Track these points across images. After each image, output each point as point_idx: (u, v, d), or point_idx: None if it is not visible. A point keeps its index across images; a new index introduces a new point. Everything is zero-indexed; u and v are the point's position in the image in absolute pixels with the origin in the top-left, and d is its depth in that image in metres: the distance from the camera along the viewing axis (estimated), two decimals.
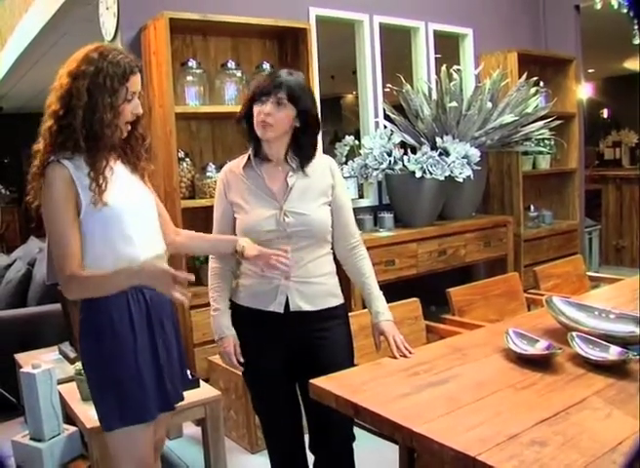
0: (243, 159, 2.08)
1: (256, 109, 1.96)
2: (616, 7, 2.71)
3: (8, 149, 11.82)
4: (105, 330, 1.79)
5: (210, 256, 2.17)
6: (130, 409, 1.81)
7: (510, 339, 1.97)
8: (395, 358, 1.96)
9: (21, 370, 2.64)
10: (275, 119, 1.95)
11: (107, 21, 3.46)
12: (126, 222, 1.80)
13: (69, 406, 2.74)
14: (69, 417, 2.75)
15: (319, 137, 2.13)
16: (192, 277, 1.70)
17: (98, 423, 2.49)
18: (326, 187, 2.07)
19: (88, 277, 1.75)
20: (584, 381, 1.72)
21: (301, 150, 2.04)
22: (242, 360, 2.05)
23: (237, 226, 2.06)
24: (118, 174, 1.84)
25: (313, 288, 2.03)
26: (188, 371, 2.91)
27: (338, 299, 2.11)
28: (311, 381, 1.80)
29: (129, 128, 1.84)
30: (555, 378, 1.75)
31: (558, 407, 1.55)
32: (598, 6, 2.62)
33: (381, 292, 2.13)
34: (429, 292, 3.25)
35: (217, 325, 2.08)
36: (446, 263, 4.30)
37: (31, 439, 2.63)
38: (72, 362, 3.19)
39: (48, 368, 2.65)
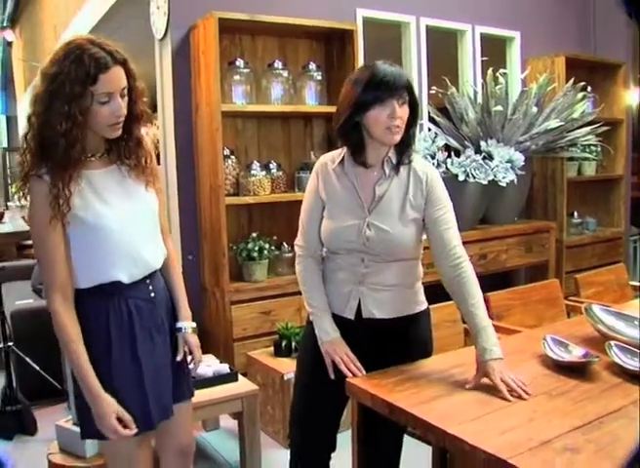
0: (339, 156, 1.96)
1: (380, 113, 1.79)
2: None
3: None
4: (104, 335, 1.69)
5: (300, 259, 2.03)
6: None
7: (547, 346, 1.97)
8: (508, 400, 1.65)
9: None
10: (403, 121, 1.84)
11: (158, 20, 3.55)
12: (107, 241, 1.67)
13: None
14: None
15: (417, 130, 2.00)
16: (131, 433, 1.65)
17: None
18: (418, 201, 1.90)
19: (62, 331, 1.64)
20: (621, 391, 1.72)
21: (407, 146, 1.90)
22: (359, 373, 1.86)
23: (322, 226, 1.96)
24: (106, 183, 1.70)
25: (390, 295, 1.93)
26: (226, 366, 2.99)
27: (418, 306, 2.01)
28: (348, 380, 1.83)
29: (118, 131, 1.66)
30: (591, 386, 1.75)
31: (592, 415, 1.55)
32: None
33: (490, 322, 1.85)
34: None
35: (321, 327, 1.94)
36: (486, 268, 4.29)
37: (74, 424, 2.71)
38: None
39: None
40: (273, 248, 3.72)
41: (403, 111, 1.83)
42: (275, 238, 3.77)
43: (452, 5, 4.57)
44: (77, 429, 2.64)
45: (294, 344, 3.31)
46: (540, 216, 4.99)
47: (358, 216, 1.90)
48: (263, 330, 3.54)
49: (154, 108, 4.01)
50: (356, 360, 1.88)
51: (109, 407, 1.65)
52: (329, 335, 1.91)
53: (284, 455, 3.06)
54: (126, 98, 1.65)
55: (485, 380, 1.75)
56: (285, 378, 3.09)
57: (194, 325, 1.93)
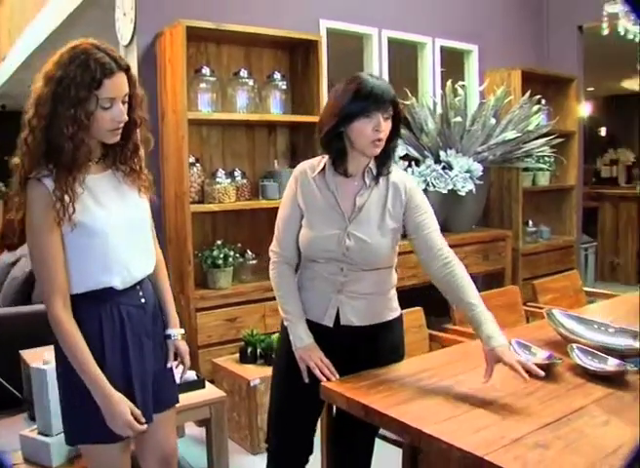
0: (319, 164, 1.98)
1: (365, 125, 1.83)
2: (622, 33, 2.79)
3: (11, 147, 11.85)
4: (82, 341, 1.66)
5: (275, 265, 2.05)
6: (94, 427, 1.69)
7: (513, 349, 2.03)
8: (525, 379, 1.70)
9: (32, 365, 2.68)
10: (386, 134, 1.87)
11: (123, 27, 3.55)
12: (104, 246, 1.67)
13: None
14: None
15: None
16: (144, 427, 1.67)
17: None
18: (397, 210, 1.95)
19: (68, 338, 1.63)
20: (584, 390, 1.80)
21: (387, 158, 1.94)
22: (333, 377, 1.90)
23: (300, 235, 1.98)
24: (103, 188, 1.71)
25: (366, 303, 1.97)
26: (193, 373, 2.99)
27: (392, 313, 2.05)
28: (323, 384, 1.87)
29: (117, 136, 1.67)
30: (556, 387, 1.83)
31: (559, 413, 1.63)
32: (605, 32, 2.71)
33: (491, 314, 1.87)
34: (429, 303, 3.31)
35: (295, 333, 1.96)
36: None
37: (39, 433, 2.68)
38: None
39: None
40: (238, 255, 3.74)
41: (387, 125, 1.87)
42: (240, 245, 3.79)
43: (413, 18, 4.68)
44: (43, 438, 2.63)
45: (259, 351, 3.33)
46: (496, 225, 5.12)
47: (338, 226, 1.93)
48: (228, 337, 3.55)
49: None
50: (330, 365, 1.91)
51: (124, 404, 1.66)
52: (303, 341, 1.94)
53: (251, 461, 3.10)
54: (126, 105, 1.66)
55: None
56: (251, 385, 3.11)
57: (183, 331, 1.94)
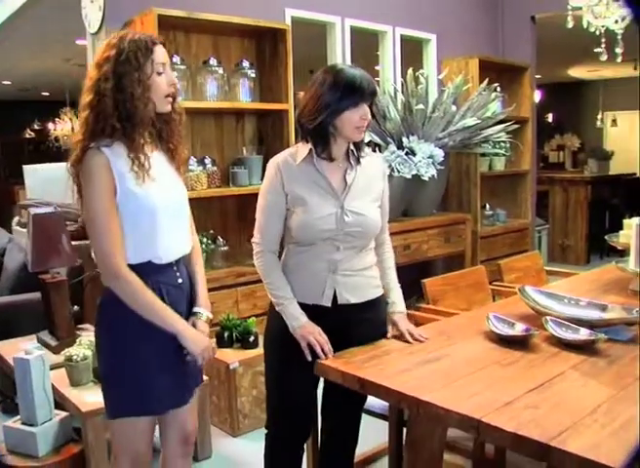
0: (299, 153, 2.05)
1: (353, 114, 1.94)
2: (570, 26, 2.94)
3: None
4: (123, 318, 1.78)
5: (259, 255, 2.10)
6: (131, 401, 1.82)
7: (492, 323, 2.16)
8: (408, 343, 2.06)
9: (15, 355, 2.69)
10: (369, 120, 2.00)
11: (91, 14, 3.53)
12: (156, 217, 1.79)
13: (59, 391, 2.81)
14: (57, 403, 2.81)
15: None
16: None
17: (92, 407, 2.62)
18: (378, 190, 2.13)
19: (138, 289, 1.75)
20: (560, 358, 1.94)
21: (362, 140, 2.07)
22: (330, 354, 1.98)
23: (293, 221, 2.03)
24: (154, 164, 1.81)
25: (358, 280, 2.08)
26: None
27: (379, 290, 2.17)
28: (318, 361, 1.95)
29: (170, 102, 1.83)
30: (535, 356, 1.96)
31: (541, 379, 1.76)
32: (570, 25, 2.85)
33: (399, 285, 2.22)
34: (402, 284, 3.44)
35: (291, 314, 2.03)
36: (410, 258, 4.52)
37: (23, 424, 2.69)
38: (54, 350, 3.25)
39: (40, 353, 2.72)
40: (210, 241, 3.78)
41: (369, 112, 2.00)
42: (212, 232, 3.83)
43: (374, 7, 4.77)
44: (29, 428, 2.64)
45: (235, 335, 3.40)
46: (455, 209, 5.29)
47: (334, 205, 2.02)
48: None
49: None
50: (328, 342, 1.99)
51: (199, 334, 1.87)
52: (299, 321, 2.01)
53: (233, 443, 3.18)
54: None
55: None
56: (231, 368, 3.18)
57: (211, 315, 1.99)
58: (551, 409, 1.56)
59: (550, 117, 12.86)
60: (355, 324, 2.08)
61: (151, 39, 1.79)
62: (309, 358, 1.98)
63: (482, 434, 1.52)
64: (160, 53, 1.79)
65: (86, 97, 1.76)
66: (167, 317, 1.80)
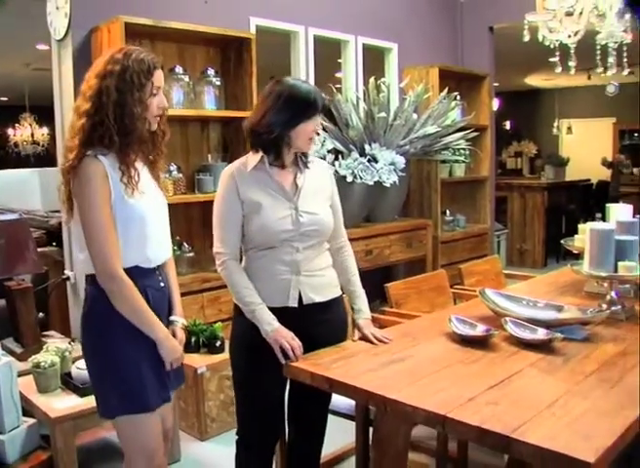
0: (250, 162, 2.16)
1: (307, 127, 2.09)
2: (526, 39, 3.07)
3: None
4: (111, 322, 1.87)
5: (224, 264, 2.15)
6: (133, 397, 1.90)
7: (454, 324, 2.25)
8: (374, 344, 2.17)
9: None
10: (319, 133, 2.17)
11: (57, 21, 3.54)
12: (145, 224, 1.90)
13: (27, 398, 2.81)
14: (25, 410, 2.81)
15: None
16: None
17: (61, 413, 2.64)
18: (328, 191, 2.27)
19: (131, 292, 1.85)
20: (519, 357, 2.03)
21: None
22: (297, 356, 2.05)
23: (251, 226, 2.12)
24: (142, 176, 1.92)
25: (320, 280, 2.19)
26: None
27: (338, 289, 2.28)
28: (287, 363, 2.01)
29: (157, 121, 1.94)
30: (495, 355, 2.05)
31: (502, 376, 1.85)
32: (526, 38, 2.97)
33: (364, 291, 2.33)
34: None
35: (263, 319, 2.08)
36: (373, 262, 4.62)
37: None
38: (19, 357, 3.24)
39: (8, 360, 2.72)
40: (175, 248, 3.80)
41: (320, 125, 2.17)
42: (177, 238, 3.85)
43: (337, 17, 4.86)
44: None
45: (202, 340, 3.43)
46: (417, 215, 5.40)
47: (288, 207, 2.13)
48: None
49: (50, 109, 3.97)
50: (301, 346, 2.05)
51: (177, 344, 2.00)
52: (272, 326, 2.07)
53: (200, 447, 3.21)
54: None
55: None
56: (198, 372, 3.21)
57: (186, 322, 2.12)
58: (511, 404, 1.65)
59: (508, 124, 13.17)
60: (318, 324, 2.17)
61: (153, 62, 1.89)
62: (283, 361, 2.03)
63: (448, 429, 1.60)
64: (159, 76, 1.91)
65: (84, 105, 1.84)
66: (152, 324, 1.90)
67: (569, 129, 12.66)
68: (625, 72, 3.27)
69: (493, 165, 6.04)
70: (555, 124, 10.24)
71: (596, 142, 12.26)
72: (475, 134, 5.14)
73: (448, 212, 5.68)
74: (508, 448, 1.48)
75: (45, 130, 10.59)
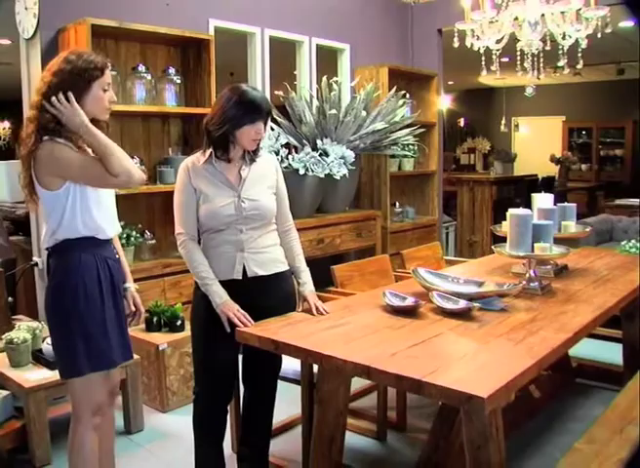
0: (202, 156, 2.47)
1: (250, 129, 2.37)
2: (456, 45, 3.41)
3: None
4: (78, 290, 2.13)
5: (183, 244, 2.45)
6: (98, 358, 2.18)
7: (387, 297, 2.56)
8: (314, 315, 2.46)
9: None
10: (263, 135, 2.44)
11: (25, 20, 3.74)
12: (99, 203, 2.18)
13: (1, 372, 3.04)
14: None
15: None
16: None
17: (34, 384, 2.87)
18: (272, 180, 2.55)
19: None
20: (442, 323, 2.35)
21: (258, 145, 2.48)
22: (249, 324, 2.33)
23: (201, 211, 2.43)
24: None
25: (264, 256, 2.48)
26: None
27: (284, 265, 2.56)
28: (237, 329, 2.30)
29: (108, 113, 2.22)
30: (421, 322, 2.37)
31: (423, 337, 2.16)
32: (456, 45, 3.30)
33: (308, 269, 2.62)
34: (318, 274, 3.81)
35: (214, 292, 2.38)
36: (324, 251, 4.91)
37: None
38: None
39: None
40: (138, 235, 4.05)
41: (263, 129, 2.44)
42: (140, 226, 4.10)
43: (292, 18, 5.14)
44: None
45: (163, 320, 3.69)
46: (367, 206, 5.71)
47: (232, 195, 2.43)
48: None
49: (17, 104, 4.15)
50: (246, 314, 2.36)
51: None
52: (222, 298, 2.37)
53: (163, 418, 3.47)
54: None
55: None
56: (160, 349, 3.47)
57: (137, 286, 2.44)
58: (427, 357, 1.97)
59: (462, 121, 13.60)
60: (264, 295, 2.47)
61: (103, 63, 2.15)
62: (228, 329, 2.34)
63: (372, 377, 1.91)
64: (107, 74, 2.17)
65: (35, 98, 2.13)
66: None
67: (516, 126, 13.15)
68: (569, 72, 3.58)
69: (440, 160, 6.38)
70: (503, 121, 10.66)
71: (547, 140, 12.74)
72: (422, 130, 5.48)
73: (397, 204, 6.00)
74: (420, 389, 1.79)
75: (6, 124, 10.62)
